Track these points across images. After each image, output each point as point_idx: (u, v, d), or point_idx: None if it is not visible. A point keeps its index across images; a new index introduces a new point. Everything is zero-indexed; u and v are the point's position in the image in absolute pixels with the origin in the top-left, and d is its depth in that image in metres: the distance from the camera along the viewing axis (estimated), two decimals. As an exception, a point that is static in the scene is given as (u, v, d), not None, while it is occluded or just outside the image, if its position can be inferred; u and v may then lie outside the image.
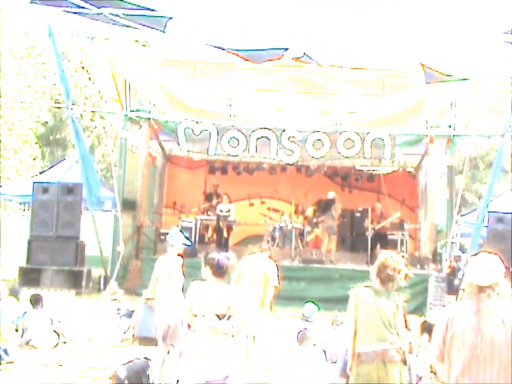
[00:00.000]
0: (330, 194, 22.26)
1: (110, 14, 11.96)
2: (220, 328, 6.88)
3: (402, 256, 7.27)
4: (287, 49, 11.59)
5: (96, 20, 13.76)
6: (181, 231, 11.93)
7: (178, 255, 10.65)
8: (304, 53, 11.68)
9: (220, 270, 7.07)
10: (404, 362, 6.90)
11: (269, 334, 11.68)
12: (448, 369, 5.13)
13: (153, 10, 11.57)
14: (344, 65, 12.52)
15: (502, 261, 5.19)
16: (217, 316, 6.90)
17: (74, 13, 12.92)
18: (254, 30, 11.54)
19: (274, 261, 11.67)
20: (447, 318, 5.13)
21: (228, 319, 6.93)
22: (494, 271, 5.11)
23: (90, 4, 11.67)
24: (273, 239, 21.82)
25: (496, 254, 5.25)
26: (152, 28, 13.14)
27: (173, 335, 9.91)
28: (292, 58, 12.43)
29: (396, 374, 6.78)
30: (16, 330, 12.58)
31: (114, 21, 12.30)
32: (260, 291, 11.19)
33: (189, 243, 11.95)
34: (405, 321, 7.18)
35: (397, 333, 6.83)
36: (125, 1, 11.47)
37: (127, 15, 12.02)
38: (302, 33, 11.17)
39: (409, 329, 11.03)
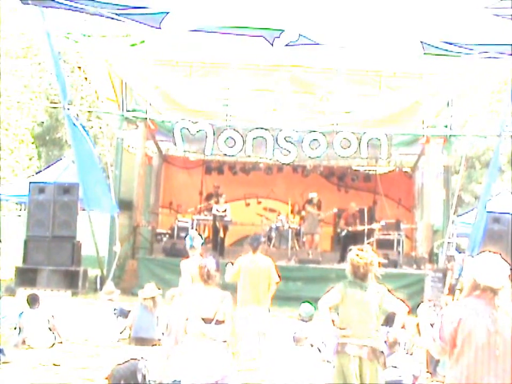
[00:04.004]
0: (310, 195, 22.33)
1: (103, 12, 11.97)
2: (206, 333, 6.90)
3: (369, 243, 7.47)
4: (282, 31, 11.55)
5: (91, 15, 13.77)
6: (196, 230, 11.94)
7: (200, 255, 10.67)
8: (300, 35, 11.65)
9: (210, 276, 7.13)
10: (378, 361, 6.96)
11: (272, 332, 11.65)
12: (456, 368, 5.13)
13: (146, 8, 11.58)
14: (341, 45, 12.47)
15: (506, 261, 5.22)
16: (204, 320, 6.92)
17: (69, 9, 12.92)
18: (249, 13, 11.53)
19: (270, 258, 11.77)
20: (459, 318, 5.11)
21: (216, 323, 6.94)
22: (504, 273, 5.13)
23: (83, 5, 11.67)
24: (269, 239, 21.82)
25: (498, 254, 5.27)
26: (147, 25, 13.16)
27: None
28: (287, 44, 12.38)
29: (369, 372, 6.84)
30: (15, 329, 12.58)
31: (109, 15, 12.32)
32: (260, 287, 11.26)
33: (203, 241, 12.03)
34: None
35: (377, 328, 6.96)
36: (117, 4, 11.48)
37: (121, 14, 12.02)
38: (297, 15, 11.15)
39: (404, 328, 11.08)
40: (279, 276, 12.08)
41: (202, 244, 11.45)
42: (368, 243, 6.53)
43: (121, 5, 11.56)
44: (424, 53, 12.67)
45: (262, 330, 11.23)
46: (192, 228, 21.75)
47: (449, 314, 5.23)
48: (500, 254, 5.26)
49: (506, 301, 5.06)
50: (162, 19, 11.84)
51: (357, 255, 7.08)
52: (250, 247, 11.73)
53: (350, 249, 7.28)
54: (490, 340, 4.99)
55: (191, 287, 7.26)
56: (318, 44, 12.33)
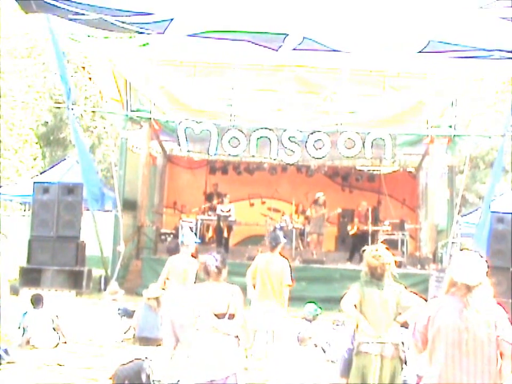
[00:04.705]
0: (316, 195, 22.35)
1: (106, 21, 11.91)
2: (219, 328, 6.91)
3: (383, 242, 7.40)
4: (287, 35, 11.51)
5: (93, 27, 13.77)
6: (190, 228, 11.94)
7: (192, 255, 10.65)
8: (304, 37, 11.62)
9: (209, 272, 7.12)
10: (400, 359, 6.95)
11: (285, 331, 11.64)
12: (431, 367, 5.19)
13: (151, 14, 11.52)
14: (348, 46, 12.43)
15: (485, 259, 5.27)
16: (217, 316, 6.93)
17: (71, 19, 12.89)
18: (253, 17, 11.48)
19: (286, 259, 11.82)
20: (428, 316, 5.19)
21: (229, 318, 6.95)
22: (481, 271, 5.18)
23: (88, 11, 11.61)
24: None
25: (477, 252, 5.34)
26: (153, 32, 13.15)
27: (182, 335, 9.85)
28: (292, 49, 12.36)
29: (391, 370, 6.83)
30: (18, 329, 12.60)
31: (114, 25, 12.25)
32: (274, 287, 11.31)
33: (198, 240, 11.99)
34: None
35: (398, 324, 6.94)
36: (121, 10, 11.42)
37: (125, 22, 11.97)
38: (301, 18, 11.11)
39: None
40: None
41: (197, 242, 11.40)
42: (381, 242, 6.51)
43: (125, 10, 11.49)
44: (424, 52, 12.63)
45: (272, 329, 11.25)
46: (196, 228, 21.80)
47: (421, 312, 5.31)
48: (479, 252, 5.32)
49: (481, 298, 5.12)
50: (167, 26, 11.78)
51: (373, 256, 7.06)
52: (268, 246, 11.69)
53: (364, 250, 7.25)
54: (460, 337, 5.06)
55: (200, 284, 7.24)
56: (323, 46, 12.29)
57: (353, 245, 21.44)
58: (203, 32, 12.20)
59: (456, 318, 5.07)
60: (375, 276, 7.03)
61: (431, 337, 5.17)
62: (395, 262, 7.17)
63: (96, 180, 20.10)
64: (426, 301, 7.25)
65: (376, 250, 7.13)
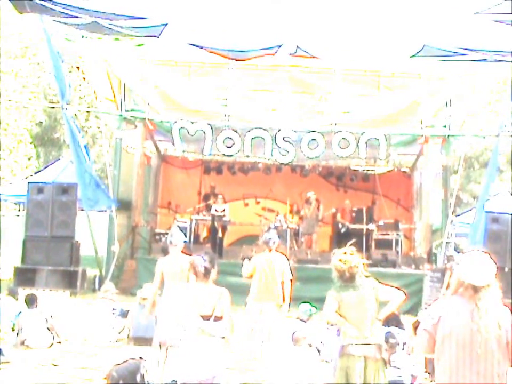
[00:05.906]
0: (307, 195, 22.39)
1: (100, 24, 11.91)
2: (205, 330, 6.92)
3: (352, 244, 7.37)
4: (280, 45, 11.56)
5: (89, 31, 13.78)
6: (179, 228, 11.93)
7: (182, 252, 10.64)
8: (298, 47, 11.66)
9: (197, 273, 7.14)
10: (384, 360, 6.97)
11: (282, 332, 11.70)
12: (438, 368, 5.15)
13: (145, 19, 11.53)
14: (339, 57, 12.50)
15: (494, 261, 5.23)
16: (203, 317, 6.94)
17: (66, 23, 12.91)
18: (245, 28, 11.52)
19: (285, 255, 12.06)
20: (439, 315, 5.14)
21: (215, 320, 6.95)
22: (489, 272, 5.13)
23: (82, 14, 11.61)
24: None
25: (487, 253, 5.28)
26: (147, 36, 13.18)
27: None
28: (289, 54, 12.41)
29: (375, 371, 6.85)
30: (13, 330, 12.58)
31: (108, 28, 12.24)
32: (273, 285, 11.45)
33: (186, 239, 12.00)
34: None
35: (380, 322, 6.96)
36: (114, 14, 11.43)
37: (119, 26, 11.97)
38: (294, 28, 11.16)
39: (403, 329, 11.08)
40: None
41: (185, 241, 11.39)
42: (351, 244, 6.49)
43: (119, 15, 11.49)
44: (419, 55, 12.66)
45: (270, 327, 11.32)
46: (191, 228, 21.76)
47: (430, 311, 5.27)
48: (488, 253, 5.28)
49: (490, 300, 5.07)
50: (162, 31, 11.79)
51: (340, 260, 7.05)
52: (265, 246, 12.10)
53: (334, 253, 7.25)
54: (472, 339, 4.98)
55: (189, 285, 7.27)
56: (315, 57, 12.35)
57: (338, 245, 21.42)
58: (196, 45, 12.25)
59: (468, 320, 4.99)
60: (345, 279, 7.03)
61: (440, 337, 5.09)
62: (363, 264, 7.16)
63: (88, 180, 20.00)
64: (404, 293, 7.27)
65: (344, 253, 7.13)
